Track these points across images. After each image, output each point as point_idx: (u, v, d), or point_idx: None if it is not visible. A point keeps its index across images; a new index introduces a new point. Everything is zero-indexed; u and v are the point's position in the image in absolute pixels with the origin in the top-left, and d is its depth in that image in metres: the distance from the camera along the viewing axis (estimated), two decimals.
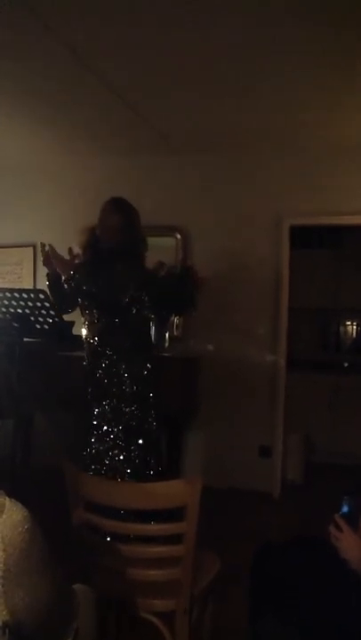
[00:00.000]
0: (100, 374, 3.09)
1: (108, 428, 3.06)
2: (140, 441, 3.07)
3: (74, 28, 2.86)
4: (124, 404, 3.07)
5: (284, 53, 3.06)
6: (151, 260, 4.23)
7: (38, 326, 3.21)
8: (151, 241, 4.80)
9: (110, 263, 3.18)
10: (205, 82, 3.51)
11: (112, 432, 3.05)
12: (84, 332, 3.20)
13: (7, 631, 0.92)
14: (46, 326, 3.19)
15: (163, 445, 3.27)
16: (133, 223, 3.26)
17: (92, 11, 2.71)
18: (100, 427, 3.07)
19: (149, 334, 3.49)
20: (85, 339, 3.17)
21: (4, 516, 0.94)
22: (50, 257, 3.25)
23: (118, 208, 3.26)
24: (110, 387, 3.07)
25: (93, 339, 3.12)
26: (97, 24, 2.83)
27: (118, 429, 3.05)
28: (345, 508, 1.77)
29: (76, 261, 3.27)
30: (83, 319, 3.20)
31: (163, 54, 3.17)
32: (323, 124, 4.08)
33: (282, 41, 2.94)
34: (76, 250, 3.33)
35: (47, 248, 3.28)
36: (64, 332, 3.33)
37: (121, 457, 3.03)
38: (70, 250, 3.33)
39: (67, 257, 3.33)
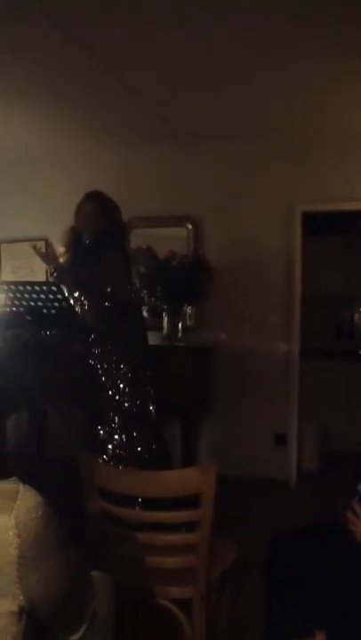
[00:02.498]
0: (95, 362, 3.21)
1: (109, 414, 3.16)
2: (139, 426, 3.16)
3: (84, 23, 2.86)
4: (120, 391, 3.16)
5: (295, 41, 3.04)
6: (163, 250, 4.25)
7: (51, 319, 3.22)
8: (163, 231, 4.87)
9: (92, 252, 3.26)
10: (217, 74, 3.50)
11: (112, 419, 3.15)
12: None
13: (24, 615, 0.93)
14: (59, 319, 3.20)
15: (162, 432, 3.36)
16: (108, 210, 3.33)
17: (105, 7, 2.71)
18: (101, 415, 3.18)
19: (142, 322, 3.54)
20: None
21: (19, 502, 0.95)
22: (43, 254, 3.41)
23: (91, 198, 3.36)
24: (107, 373, 3.17)
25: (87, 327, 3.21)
26: (108, 19, 2.83)
27: (118, 416, 3.15)
28: None
29: (60, 260, 3.37)
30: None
31: (176, 49, 3.18)
32: (333, 112, 4.04)
33: (293, 32, 2.92)
34: (43, 249, 3.51)
35: (37, 246, 3.47)
36: (77, 324, 3.33)
37: (123, 447, 3.13)
38: (34, 247, 3.49)
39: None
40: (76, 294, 3.16)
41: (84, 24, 2.89)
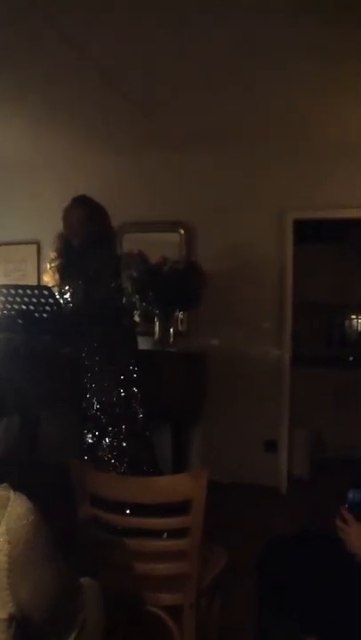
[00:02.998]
0: (84, 366, 3.25)
1: (98, 418, 3.20)
2: (126, 431, 3.19)
3: (79, 25, 2.85)
4: (108, 395, 3.20)
5: (286, 49, 3.04)
6: (155, 255, 4.25)
7: (43, 323, 3.21)
8: (155, 237, 4.87)
9: (81, 257, 3.28)
10: (208, 80, 3.50)
11: (100, 423, 3.19)
12: None
13: (14, 623, 0.92)
14: (51, 322, 3.20)
15: (149, 437, 3.40)
16: (96, 215, 3.35)
17: (96, 8, 2.70)
18: (89, 419, 3.22)
19: (132, 327, 3.56)
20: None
21: (9, 509, 0.94)
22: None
23: (78, 203, 3.37)
24: (95, 376, 3.21)
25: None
26: (100, 21, 2.82)
27: (106, 420, 3.19)
28: (351, 501, 1.77)
29: (52, 265, 3.39)
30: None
31: (166, 53, 3.17)
32: (326, 119, 4.06)
33: (284, 37, 2.92)
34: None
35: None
36: (69, 328, 3.33)
37: (110, 451, 3.16)
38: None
39: None
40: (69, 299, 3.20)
41: (79, 26, 2.86)
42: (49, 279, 3.39)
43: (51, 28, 2.84)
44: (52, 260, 3.40)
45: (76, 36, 2.96)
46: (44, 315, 3.17)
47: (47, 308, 3.13)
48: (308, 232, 5.19)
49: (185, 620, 1.95)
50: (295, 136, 4.43)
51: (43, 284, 3.49)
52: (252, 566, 1.96)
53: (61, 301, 3.27)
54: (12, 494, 0.96)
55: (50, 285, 3.36)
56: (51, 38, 2.94)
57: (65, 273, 3.31)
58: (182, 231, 4.88)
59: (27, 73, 3.44)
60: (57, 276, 3.33)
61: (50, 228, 5.10)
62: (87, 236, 3.29)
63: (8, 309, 3.23)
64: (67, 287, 3.27)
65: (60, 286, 3.31)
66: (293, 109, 3.93)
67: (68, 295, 3.27)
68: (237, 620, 2.41)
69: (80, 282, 3.22)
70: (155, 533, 2.01)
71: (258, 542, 2.02)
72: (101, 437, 3.17)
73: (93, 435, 3.18)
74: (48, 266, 3.42)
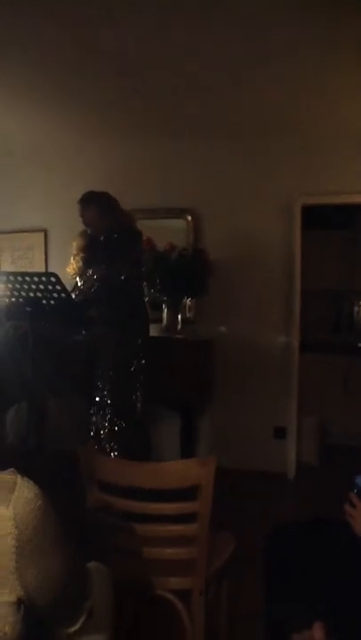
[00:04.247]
0: (97, 351, 3.33)
1: (103, 405, 3.29)
2: (124, 414, 3.29)
3: (83, 13, 2.83)
4: (116, 382, 3.29)
5: (293, 35, 3.02)
6: (162, 242, 4.23)
7: (50, 310, 3.21)
8: (162, 223, 4.86)
9: (105, 247, 3.38)
10: (216, 65, 3.46)
11: (105, 409, 3.28)
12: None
13: (22, 606, 0.92)
14: (58, 309, 3.20)
15: (146, 426, 3.52)
16: (107, 208, 3.44)
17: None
18: (97, 405, 3.31)
19: (145, 316, 3.60)
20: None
21: (16, 494, 0.94)
22: None
23: (86, 203, 3.46)
24: (106, 363, 3.29)
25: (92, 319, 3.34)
26: (108, 10, 2.80)
27: (111, 405, 3.28)
28: (359, 486, 1.76)
29: (76, 257, 3.51)
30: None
31: (173, 41, 3.16)
32: (334, 105, 4.01)
33: (293, 22, 2.89)
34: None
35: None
36: (77, 314, 3.34)
37: (108, 436, 3.27)
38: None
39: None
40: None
41: (85, 16, 2.85)
42: (71, 269, 3.49)
43: (55, 21, 2.83)
44: (75, 255, 3.49)
45: (83, 27, 2.95)
46: (52, 302, 3.16)
47: (55, 294, 3.12)
48: (317, 218, 5.14)
49: (194, 604, 1.96)
50: (304, 122, 4.38)
51: (66, 272, 3.56)
52: (259, 552, 1.97)
53: (81, 285, 3.39)
54: (19, 479, 0.96)
55: (71, 274, 3.47)
56: (57, 27, 2.93)
57: (89, 261, 3.42)
58: (190, 218, 4.86)
59: (33, 63, 3.43)
60: (80, 264, 3.45)
61: (57, 215, 5.13)
62: (107, 229, 3.40)
63: (15, 297, 3.22)
64: (90, 271, 3.38)
65: (82, 274, 3.42)
66: (302, 95, 3.88)
67: (85, 280, 3.37)
68: (245, 606, 2.42)
69: (103, 267, 3.32)
70: (163, 519, 2.01)
71: (266, 529, 2.02)
72: (106, 424, 3.25)
73: (98, 421, 3.21)
74: (72, 259, 3.50)
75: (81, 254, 3.46)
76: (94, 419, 3.29)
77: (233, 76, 3.62)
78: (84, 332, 3.49)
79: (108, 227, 3.41)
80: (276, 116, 4.31)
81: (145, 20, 2.93)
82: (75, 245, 3.53)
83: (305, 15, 2.82)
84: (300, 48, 3.19)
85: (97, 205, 3.43)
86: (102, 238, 3.41)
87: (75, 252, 3.49)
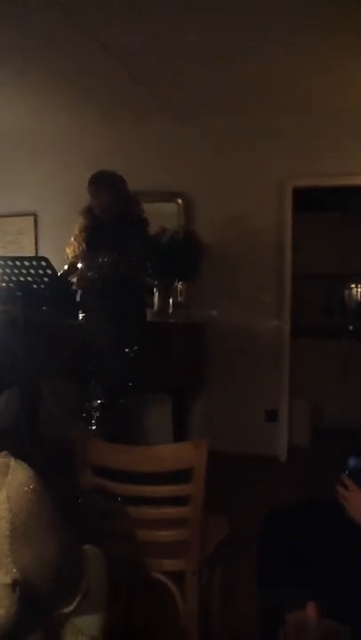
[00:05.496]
0: (87, 336, 3.31)
1: (95, 389, 3.28)
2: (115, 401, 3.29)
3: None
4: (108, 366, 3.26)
5: (286, 13, 2.96)
6: (153, 226, 4.21)
7: (41, 294, 3.20)
8: (153, 207, 4.79)
9: (113, 232, 3.27)
10: (205, 47, 3.42)
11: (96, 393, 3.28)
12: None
13: (17, 588, 0.93)
14: (49, 293, 3.18)
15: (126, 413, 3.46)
16: (121, 193, 3.35)
17: None
18: (88, 388, 3.31)
19: (144, 304, 3.62)
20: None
21: (10, 477, 0.93)
22: None
23: (101, 184, 3.33)
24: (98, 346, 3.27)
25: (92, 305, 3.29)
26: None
27: (102, 390, 3.27)
28: (352, 467, 1.77)
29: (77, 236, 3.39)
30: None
31: (162, 20, 3.08)
32: (326, 85, 3.98)
33: (283, 3, 2.85)
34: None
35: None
36: (67, 298, 3.32)
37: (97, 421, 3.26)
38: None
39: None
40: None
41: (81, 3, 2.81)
42: (71, 250, 3.39)
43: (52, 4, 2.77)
44: (77, 236, 3.39)
45: (75, 6, 2.89)
46: (42, 286, 3.15)
47: (45, 279, 3.11)
48: (309, 200, 5.13)
49: (188, 586, 1.98)
50: (295, 103, 4.35)
51: (65, 254, 3.48)
52: (252, 535, 1.98)
53: (85, 270, 3.30)
54: (12, 462, 0.96)
55: (70, 256, 3.38)
56: (49, 8, 2.87)
57: (93, 245, 3.31)
58: (180, 201, 4.83)
59: (23, 43, 3.38)
60: (83, 246, 3.33)
61: (47, 198, 5.09)
62: (118, 214, 3.32)
63: (6, 281, 3.21)
64: (95, 258, 3.28)
65: (86, 257, 3.32)
66: (293, 76, 3.85)
67: (88, 265, 3.29)
68: (238, 588, 2.44)
69: (113, 256, 3.23)
70: (156, 501, 2.02)
71: (259, 511, 2.03)
72: (96, 407, 3.25)
73: (91, 405, 3.22)
74: (72, 238, 3.40)
75: (83, 235, 3.35)
76: (87, 403, 3.27)
77: (224, 59, 3.59)
78: (80, 317, 3.41)
79: (118, 212, 3.33)
80: (266, 99, 4.28)
81: (136, 5, 2.88)
82: (77, 226, 3.41)
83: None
84: (293, 31, 3.16)
85: (110, 187, 3.33)
86: (112, 224, 3.33)
87: (76, 233, 3.38)
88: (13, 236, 5.22)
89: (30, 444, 3.18)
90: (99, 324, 3.28)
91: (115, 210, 3.31)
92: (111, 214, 3.31)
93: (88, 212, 3.40)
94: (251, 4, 2.87)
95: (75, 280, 3.35)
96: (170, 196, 4.84)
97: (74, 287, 3.34)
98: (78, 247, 3.33)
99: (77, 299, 3.36)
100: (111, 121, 4.83)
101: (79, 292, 3.35)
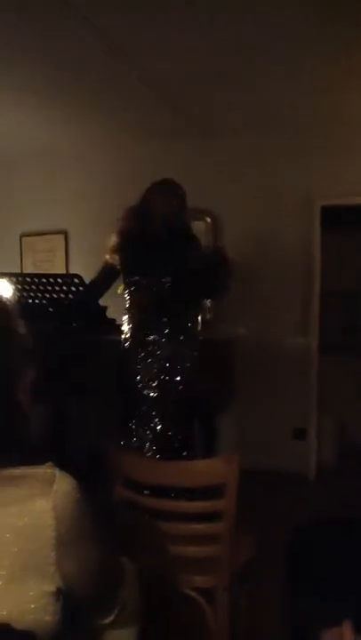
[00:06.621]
0: (141, 357, 3.07)
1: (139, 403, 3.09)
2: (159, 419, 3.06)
3: (97, 11, 2.83)
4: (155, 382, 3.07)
5: (314, 27, 3.01)
6: None
7: (73, 311, 3.24)
8: None
9: (162, 248, 3.02)
10: (234, 66, 3.49)
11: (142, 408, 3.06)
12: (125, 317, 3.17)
13: (61, 596, 0.95)
14: (81, 311, 3.22)
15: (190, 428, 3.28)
16: (185, 207, 3.11)
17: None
18: (135, 404, 3.09)
19: (192, 320, 3.36)
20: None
21: (55, 486, 0.96)
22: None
23: (172, 191, 3.08)
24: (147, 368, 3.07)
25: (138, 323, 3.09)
26: (122, 6, 2.81)
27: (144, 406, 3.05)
28: None
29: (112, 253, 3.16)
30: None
31: (191, 43, 3.18)
32: (354, 103, 4.01)
33: (311, 24, 2.92)
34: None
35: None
36: (99, 316, 3.35)
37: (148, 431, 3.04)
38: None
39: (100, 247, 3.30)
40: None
41: (97, 13, 2.83)
42: (112, 258, 3.17)
43: (70, 19, 2.83)
44: (120, 243, 3.11)
45: (104, 28, 2.96)
46: (74, 303, 3.19)
47: (78, 296, 3.15)
48: (337, 218, 5.12)
49: (218, 602, 1.97)
50: (323, 121, 4.38)
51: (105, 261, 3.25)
52: (280, 553, 1.97)
53: (134, 293, 3.06)
54: (57, 472, 0.99)
55: (111, 262, 3.14)
56: (71, 29, 2.94)
57: (139, 266, 3.05)
58: (209, 219, 4.88)
59: (63, 71, 3.50)
60: (116, 257, 3.11)
61: (77, 216, 5.18)
62: (179, 225, 3.04)
63: (39, 298, 3.26)
64: (162, 279, 2.97)
65: (136, 269, 3.06)
66: (322, 93, 3.89)
67: (138, 285, 3.04)
68: (266, 606, 2.42)
69: (167, 279, 2.97)
70: (187, 516, 2.03)
71: (286, 529, 2.02)
72: (149, 424, 3.06)
73: (133, 423, 3.09)
74: (113, 241, 3.14)
75: (115, 257, 3.09)
76: (134, 421, 3.08)
77: (251, 77, 3.65)
78: (124, 334, 3.15)
79: (181, 224, 3.04)
80: (295, 117, 4.32)
81: (160, 20, 2.94)
82: (119, 232, 3.09)
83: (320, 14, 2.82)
84: (317, 50, 3.20)
85: (178, 201, 3.04)
86: (168, 235, 2.99)
87: (117, 240, 3.08)
88: (45, 253, 5.32)
89: (65, 456, 3.20)
90: (155, 344, 3.05)
91: (177, 221, 3.03)
92: (173, 226, 3.02)
93: (137, 217, 3.06)
94: (283, 21, 2.91)
95: (125, 295, 3.12)
96: (198, 214, 4.87)
97: (127, 305, 3.12)
98: (122, 256, 3.07)
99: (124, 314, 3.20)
100: (140, 140, 4.92)
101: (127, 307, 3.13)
